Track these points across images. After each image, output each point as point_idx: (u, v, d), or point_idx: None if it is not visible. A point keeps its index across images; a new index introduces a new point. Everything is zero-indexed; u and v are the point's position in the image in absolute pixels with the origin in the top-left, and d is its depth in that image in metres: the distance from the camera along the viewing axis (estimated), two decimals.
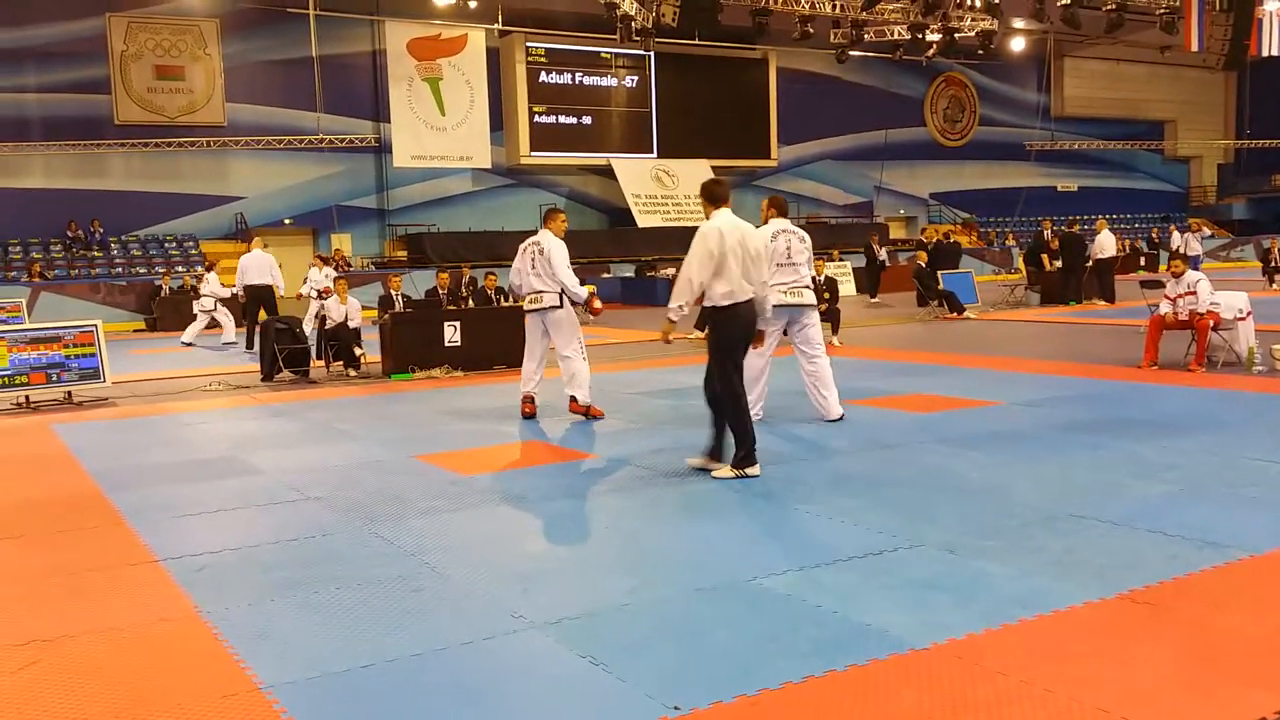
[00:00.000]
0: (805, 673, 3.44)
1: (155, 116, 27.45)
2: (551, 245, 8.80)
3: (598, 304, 9.42)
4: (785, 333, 8.24)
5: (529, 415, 8.94)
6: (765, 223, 8.31)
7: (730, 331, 6.46)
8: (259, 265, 16.28)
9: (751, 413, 8.18)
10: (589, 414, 8.82)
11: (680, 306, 6.44)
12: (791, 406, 9.09)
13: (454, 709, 3.31)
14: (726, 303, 6.36)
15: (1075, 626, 3.79)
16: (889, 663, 3.51)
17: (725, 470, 6.40)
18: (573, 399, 8.90)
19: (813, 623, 3.91)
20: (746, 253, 6.40)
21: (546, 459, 7.38)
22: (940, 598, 4.12)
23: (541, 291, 8.80)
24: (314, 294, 16.87)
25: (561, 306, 8.83)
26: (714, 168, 34.06)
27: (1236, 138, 44.48)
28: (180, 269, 26.11)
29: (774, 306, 7.99)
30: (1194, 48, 27.58)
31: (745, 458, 6.39)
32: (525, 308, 8.99)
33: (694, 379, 10.06)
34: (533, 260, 8.83)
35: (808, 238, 8.31)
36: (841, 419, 8.22)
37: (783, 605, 4.11)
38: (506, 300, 14.10)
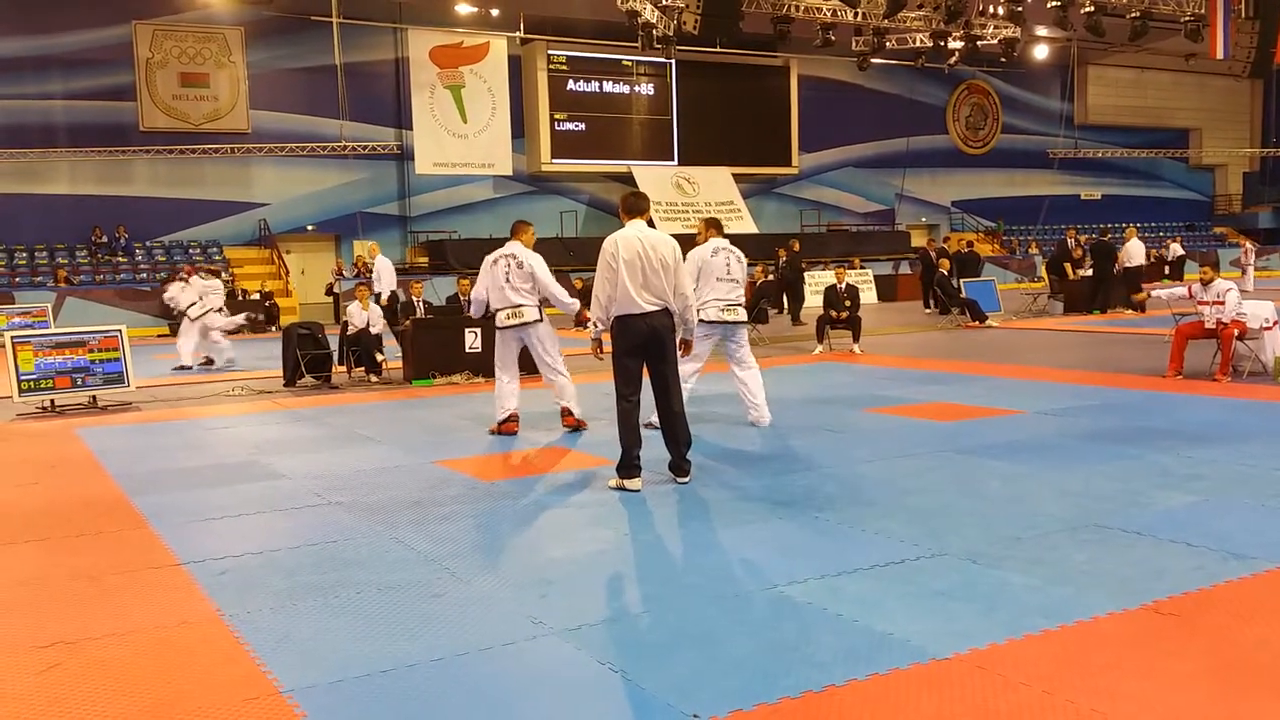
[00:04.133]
0: (826, 681, 3.42)
1: (180, 123, 27.67)
2: (531, 258, 8.51)
3: (588, 314, 9.27)
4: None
5: (514, 433, 8.60)
6: (704, 242, 8.53)
7: (615, 344, 6.44)
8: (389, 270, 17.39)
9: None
10: (580, 426, 8.67)
11: (595, 324, 6.56)
12: (805, 415, 9.08)
13: (473, 714, 3.31)
14: (615, 314, 6.37)
15: (1098, 637, 3.76)
16: (910, 672, 3.49)
17: (613, 479, 6.45)
18: (569, 412, 8.71)
19: (834, 631, 3.89)
20: (648, 264, 6.28)
21: (566, 465, 7.38)
22: (962, 607, 4.10)
23: (521, 305, 8.48)
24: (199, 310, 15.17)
25: (542, 319, 8.62)
26: (735, 175, 34.09)
27: (1262, 146, 44.14)
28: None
29: (710, 322, 8.20)
30: (1219, 55, 27.38)
31: (624, 468, 6.38)
32: (502, 323, 8.52)
33: (710, 387, 10.06)
34: (507, 274, 8.47)
35: (744, 257, 8.66)
36: (770, 425, 8.46)
37: (803, 613, 4.09)
38: None
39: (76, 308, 23.38)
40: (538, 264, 8.55)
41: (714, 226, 8.71)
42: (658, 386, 6.45)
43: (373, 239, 29.75)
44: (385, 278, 17.47)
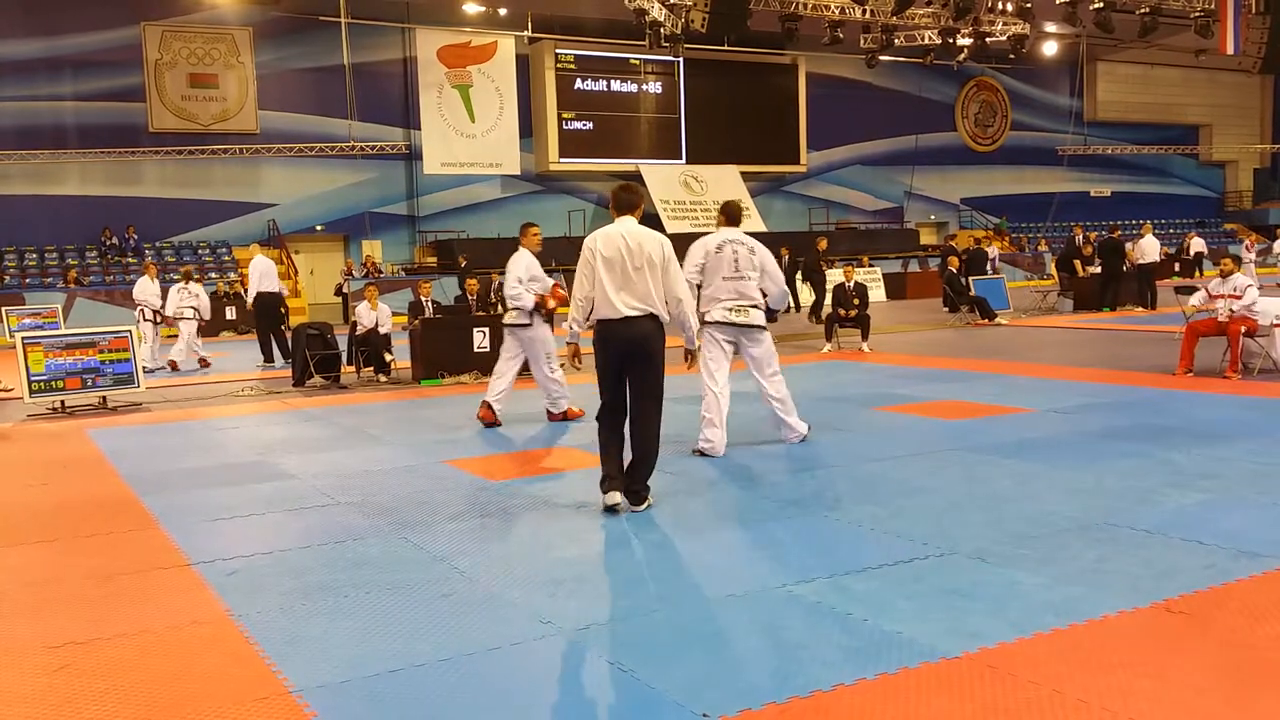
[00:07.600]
0: (835, 681, 3.41)
1: (189, 124, 27.76)
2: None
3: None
4: (737, 350, 7.49)
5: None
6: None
7: (594, 351, 5.84)
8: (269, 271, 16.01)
9: (711, 446, 7.26)
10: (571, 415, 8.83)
11: (570, 327, 5.98)
12: (814, 413, 9.06)
13: (482, 714, 3.31)
14: (595, 319, 5.81)
15: (1109, 636, 3.74)
16: (920, 671, 3.48)
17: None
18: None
19: (843, 630, 3.88)
20: (629, 263, 5.69)
21: (575, 465, 7.37)
22: (972, 606, 4.08)
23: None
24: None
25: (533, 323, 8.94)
26: (743, 173, 34.07)
27: (1273, 142, 43.93)
28: (214, 275, 26.40)
29: (718, 323, 7.30)
30: (1229, 51, 27.19)
31: (603, 481, 5.83)
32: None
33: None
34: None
35: (760, 248, 7.45)
36: (806, 437, 7.67)
37: (812, 613, 4.09)
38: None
39: (86, 308, 23.46)
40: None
41: (725, 213, 7.63)
42: (632, 398, 5.80)
43: (381, 239, 29.87)
44: (254, 279, 15.71)
